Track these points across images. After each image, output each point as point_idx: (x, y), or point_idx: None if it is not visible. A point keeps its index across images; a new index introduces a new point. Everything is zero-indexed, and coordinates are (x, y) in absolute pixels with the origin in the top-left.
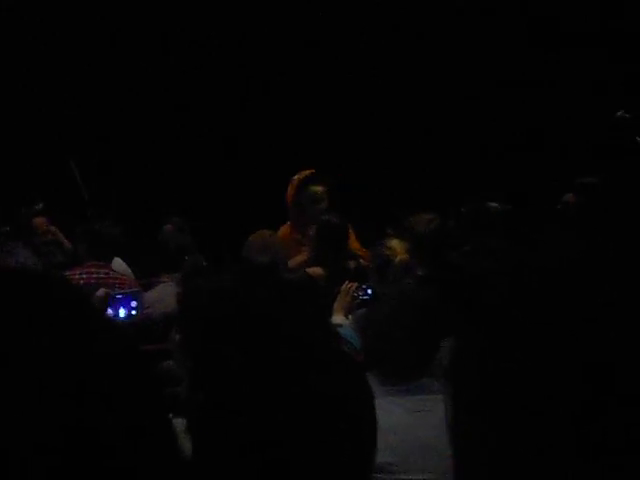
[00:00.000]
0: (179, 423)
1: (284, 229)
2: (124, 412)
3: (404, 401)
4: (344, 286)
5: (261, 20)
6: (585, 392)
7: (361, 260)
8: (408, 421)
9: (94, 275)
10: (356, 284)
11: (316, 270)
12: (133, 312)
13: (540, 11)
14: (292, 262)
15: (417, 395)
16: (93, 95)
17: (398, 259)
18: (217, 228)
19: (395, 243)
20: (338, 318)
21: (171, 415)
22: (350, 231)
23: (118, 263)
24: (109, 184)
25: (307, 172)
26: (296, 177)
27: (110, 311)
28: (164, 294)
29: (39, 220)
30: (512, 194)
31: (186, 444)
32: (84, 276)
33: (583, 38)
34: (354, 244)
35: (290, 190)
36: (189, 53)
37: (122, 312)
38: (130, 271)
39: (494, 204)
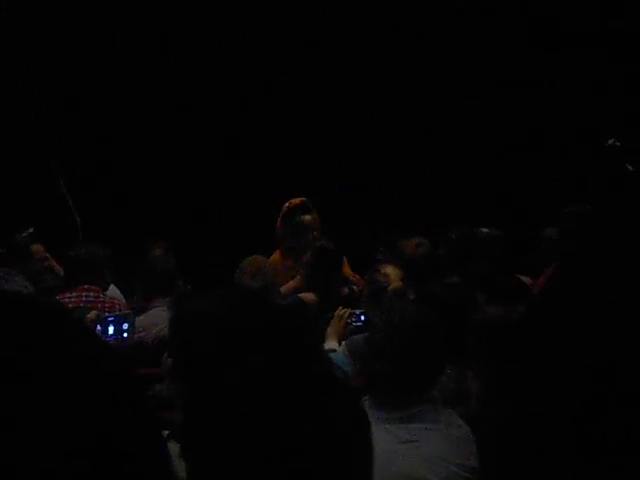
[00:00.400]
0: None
1: (275, 256)
2: (119, 431)
3: (395, 429)
4: (337, 312)
5: (261, 20)
6: (585, 392)
7: (353, 286)
8: (394, 450)
9: (84, 298)
10: (349, 310)
11: (309, 296)
12: (125, 334)
13: (540, 11)
14: (284, 288)
15: (411, 424)
16: (92, 95)
17: (392, 286)
18: (220, 231)
19: (390, 270)
20: (331, 343)
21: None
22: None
23: (111, 289)
24: (108, 185)
25: (296, 201)
26: (285, 206)
27: (100, 333)
28: (157, 318)
29: (37, 247)
30: (511, 194)
31: (179, 468)
32: (74, 299)
33: (583, 38)
34: (346, 270)
35: (279, 219)
36: (189, 53)
37: (112, 334)
38: (121, 296)
39: (484, 229)
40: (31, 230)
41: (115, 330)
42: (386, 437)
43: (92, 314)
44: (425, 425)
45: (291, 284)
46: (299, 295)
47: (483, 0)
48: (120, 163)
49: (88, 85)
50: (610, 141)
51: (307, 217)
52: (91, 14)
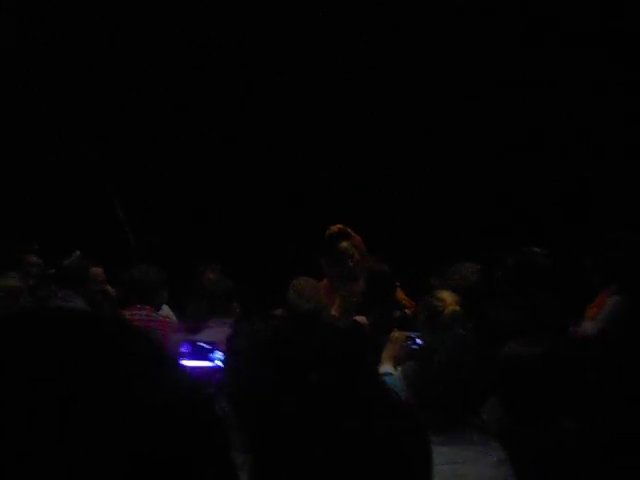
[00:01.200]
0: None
1: (322, 283)
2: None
3: (440, 450)
4: (393, 334)
5: (261, 20)
6: (589, 394)
7: (406, 310)
8: (438, 471)
9: (136, 316)
10: (405, 333)
11: (361, 319)
12: (217, 362)
13: (540, 11)
14: (335, 310)
15: (455, 445)
16: (91, 94)
17: (448, 310)
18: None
19: (445, 294)
20: (387, 367)
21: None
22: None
23: (163, 308)
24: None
25: (334, 228)
26: (326, 233)
27: (188, 359)
28: (212, 339)
29: (97, 270)
30: (511, 194)
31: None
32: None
33: (583, 38)
34: (399, 294)
35: (322, 247)
36: (189, 53)
37: (203, 361)
38: (172, 315)
39: (537, 250)
40: (78, 253)
41: (205, 358)
42: (435, 458)
43: (176, 337)
44: (467, 447)
45: (333, 309)
46: (355, 318)
47: (483, 0)
48: (119, 162)
49: (88, 84)
50: None
51: (344, 244)
52: (91, 14)
